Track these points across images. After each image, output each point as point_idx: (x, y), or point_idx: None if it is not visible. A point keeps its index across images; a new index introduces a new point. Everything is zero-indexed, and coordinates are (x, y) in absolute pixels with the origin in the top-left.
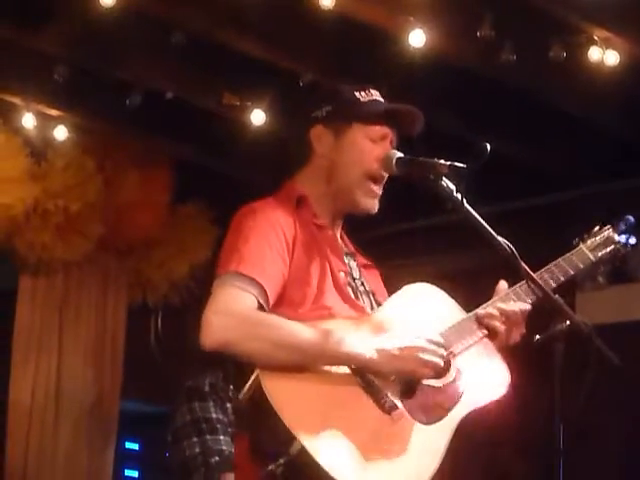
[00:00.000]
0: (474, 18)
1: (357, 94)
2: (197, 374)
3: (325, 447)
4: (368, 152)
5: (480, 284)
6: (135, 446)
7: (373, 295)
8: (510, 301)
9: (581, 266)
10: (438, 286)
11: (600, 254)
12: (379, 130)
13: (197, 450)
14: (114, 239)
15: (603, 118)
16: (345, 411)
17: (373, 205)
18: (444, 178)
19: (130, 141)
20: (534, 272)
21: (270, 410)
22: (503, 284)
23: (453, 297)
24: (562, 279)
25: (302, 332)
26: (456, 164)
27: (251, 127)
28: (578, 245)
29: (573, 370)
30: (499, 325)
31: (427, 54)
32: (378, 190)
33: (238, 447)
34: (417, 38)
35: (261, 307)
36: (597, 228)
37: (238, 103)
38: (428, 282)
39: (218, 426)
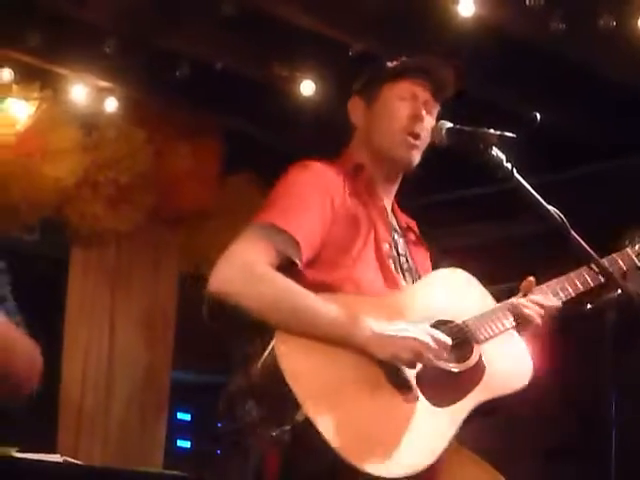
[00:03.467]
0: None
1: (388, 63)
2: (249, 341)
3: (330, 419)
4: (397, 109)
5: (516, 255)
6: (187, 417)
7: (417, 272)
8: (542, 294)
9: (625, 269)
10: (470, 256)
11: None
12: (407, 87)
13: (254, 413)
14: (165, 210)
15: None
16: (358, 387)
17: (412, 156)
18: (494, 148)
19: (180, 112)
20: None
21: (281, 377)
22: (531, 280)
23: (487, 269)
24: (600, 280)
25: (305, 300)
26: (506, 134)
27: (300, 98)
28: (626, 248)
29: (625, 340)
30: (535, 316)
31: (476, 23)
32: (414, 141)
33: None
34: (466, 7)
35: (290, 263)
36: None
37: (287, 74)
38: (470, 252)
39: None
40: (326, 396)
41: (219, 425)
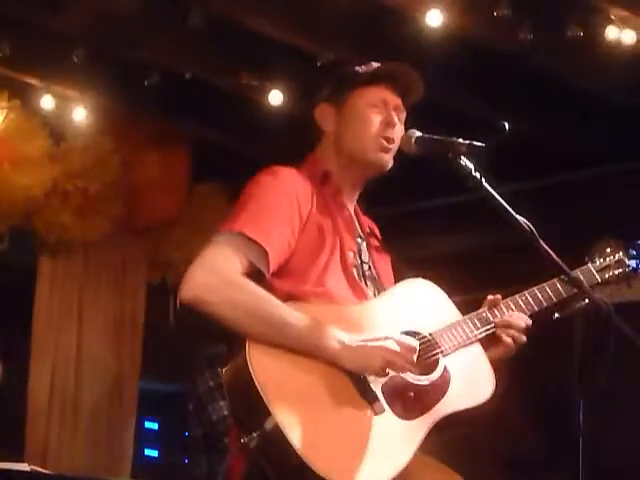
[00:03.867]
0: None
1: (357, 68)
2: (215, 343)
3: (299, 427)
4: (369, 115)
5: (488, 265)
6: (155, 426)
7: (378, 279)
8: (509, 310)
9: (585, 285)
10: (443, 266)
11: (607, 276)
12: (377, 93)
13: (225, 412)
14: (133, 219)
15: (618, 96)
16: (327, 397)
17: (387, 160)
18: (463, 157)
19: (148, 121)
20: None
21: (251, 383)
22: (497, 297)
23: (458, 278)
24: (564, 295)
25: (278, 309)
26: (475, 143)
27: (269, 107)
28: (587, 264)
29: (592, 348)
30: (509, 340)
31: (444, 34)
32: (388, 145)
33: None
34: (434, 18)
35: (258, 272)
36: (608, 249)
37: (256, 83)
38: (436, 263)
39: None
40: (296, 405)
41: (187, 434)
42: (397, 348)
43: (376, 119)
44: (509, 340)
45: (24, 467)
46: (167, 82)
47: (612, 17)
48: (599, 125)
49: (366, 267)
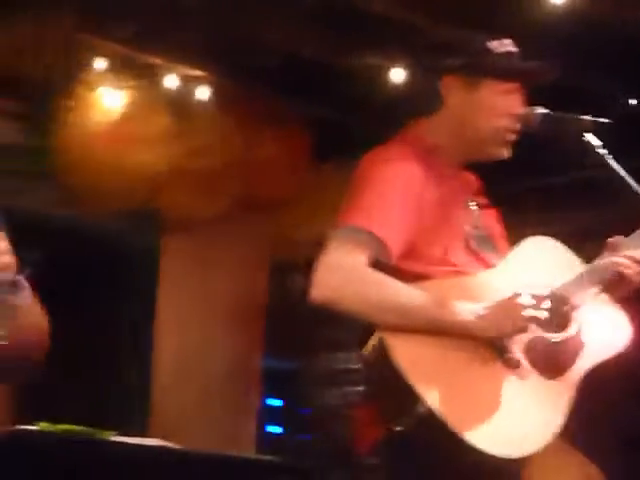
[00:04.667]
0: None
1: (491, 45)
2: (336, 327)
3: (451, 407)
4: (499, 107)
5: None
6: (278, 403)
7: (492, 239)
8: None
9: None
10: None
11: None
12: (511, 85)
13: (339, 399)
14: (254, 198)
15: None
16: (470, 371)
17: (505, 152)
18: (588, 133)
19: (269, 102)
20: None
21: (394, 368)
22: (619, 238)
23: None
24: None
25: (405, 296)
26: (600, 119)
27: (389, 85)
28: None
29: None
30: (630, 271)
31: (567, 9)
32: (511, 138)
33: (359, 405)
34: None
35: (379, 263)
36: None
37: (376, 61)
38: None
39: (356, 376)
40: (443, 384)
41: (308, 411)
42: (528, 309)
43: (506, 110)
44: (632, 273)
45: (155, 442)
46: (287, 62)
47: None
48: None
49: (483, 233)
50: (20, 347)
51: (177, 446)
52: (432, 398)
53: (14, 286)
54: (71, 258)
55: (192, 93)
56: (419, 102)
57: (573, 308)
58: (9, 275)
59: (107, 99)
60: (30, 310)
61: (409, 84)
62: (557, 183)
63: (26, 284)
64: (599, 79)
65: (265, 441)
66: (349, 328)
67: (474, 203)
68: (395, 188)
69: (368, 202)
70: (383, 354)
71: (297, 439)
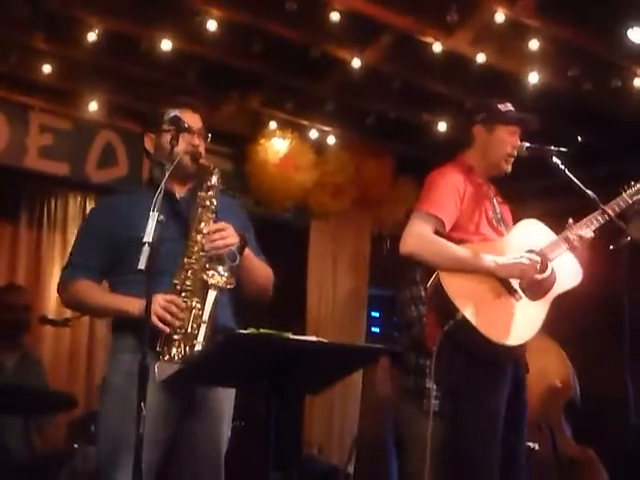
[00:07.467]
0: (566, 64)
1: (500, 106)
2: (413, 269)
3: (477, 315)
4: (507, 142)
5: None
6: (377, 314)
7: (505, 222)
8: (583, 228)
9: (622, 205)
10: (542, 221)
11: (635, 198)
12: (513, 129)
13: (415, 314)
14: (362, 199)
15: None
16: (489, 294)
17: (509, 168)
18: (554, 156)
19: (370, 142)
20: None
21: (444, 293)
22: (572, 221)
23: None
24: (617, 210)
25: (459, 251)
26: (561, 149)
27: (437, 133)
28: (621, 193)
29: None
30: (577, 244)
31: (540, 88)
32: (512, 160)
33: (427, 315)
34: (533, 78)
35: (438, 232)
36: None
37: (430, 118)
38: (535, 218)
39: (424, 298)
40: (472, 302)
41: (397, 319)
42: (529, 262)
43: (510, 144)
44: (579, 245)
45: (313, 338)
46: (379, 120)
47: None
48: None
49: (499, 216)
50: (253, 287)
51: (325, 340)
52: (466, 311)
53: (234, 255)
54: (260, 240)
55: (326, 140)
56: (462, 141)
57: (549, 260)
58: (232, 249)
59: (278, 144)
60: (254, 266)
61: (455, 131)
62: (537, 186)
63: (246, 252)
64: (561, 126)
65: (370, 338)
66: (420, 270)
67: (494, 198)
68: (448, 189)
69: (433, 197)
70: (439, 284)
71: (390, 336)
